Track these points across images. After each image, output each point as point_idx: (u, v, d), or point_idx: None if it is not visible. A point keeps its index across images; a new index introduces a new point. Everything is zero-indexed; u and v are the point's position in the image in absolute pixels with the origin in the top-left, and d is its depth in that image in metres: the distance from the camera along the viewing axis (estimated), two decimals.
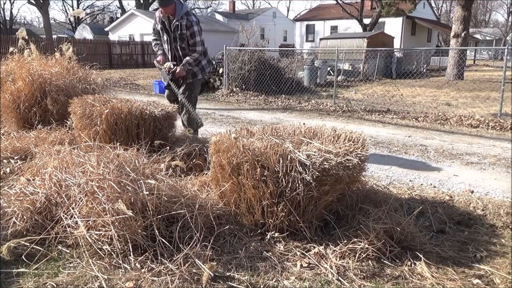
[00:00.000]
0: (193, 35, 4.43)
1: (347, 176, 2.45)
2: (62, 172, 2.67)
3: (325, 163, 2.38)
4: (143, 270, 2.17)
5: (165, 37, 4.57)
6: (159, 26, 4.58)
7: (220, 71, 11.56)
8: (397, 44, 28.28)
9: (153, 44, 4.76)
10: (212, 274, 2.12)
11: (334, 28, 34.69)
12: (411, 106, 9.08)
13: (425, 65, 20.72)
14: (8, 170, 3.51)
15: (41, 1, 30.80)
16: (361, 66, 16.94)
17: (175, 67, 4.45)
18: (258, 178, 2.45)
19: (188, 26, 4.41)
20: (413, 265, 2.30)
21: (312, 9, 42.36)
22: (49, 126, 4.65)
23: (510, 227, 2.87)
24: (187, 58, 4.48)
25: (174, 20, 4.42)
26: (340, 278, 2.18)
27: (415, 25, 32.25)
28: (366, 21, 26.15)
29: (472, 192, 3.69)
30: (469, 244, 2.61)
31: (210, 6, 46.86)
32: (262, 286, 2.11)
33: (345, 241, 2.43)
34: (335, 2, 29.07)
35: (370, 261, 2.33)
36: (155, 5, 39.97)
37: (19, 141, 4.26)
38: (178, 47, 4.55)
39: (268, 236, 2.55)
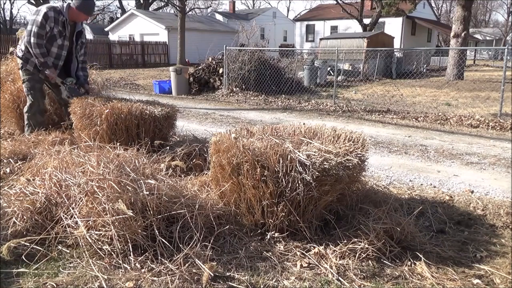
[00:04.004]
0: (85, 45, 4.53)
1: (347, 176, 2.45)
2: (62, 172, 2.67)
3: (325, 163, 2.38)
4: (143, 270, 2.17)
5: (59, 41, 4.23)
6: (56, 30, 4.16)
7: (220, 71, 11.56)
8: (397, 44, 28.27)
9: (41, 51, 4.11)
10: (212, 274, 2.12)
11: (334, 28, 34.69)
12: (411, 106, 9.08)
13: (425, 65, 20.71)
14: (8, 170, 3.51)
15: (41, 1, 30.79)
16: (361, 66, 16.93)
17: (87, 86, 4.51)
18: (258, 178, 2.45)
19: (84, 35, 4.51)
20: (413, 265, 2.30)
21: (312, 9, 42.37)
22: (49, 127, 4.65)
23: (510, 227, 2.87)
24: (86, 73, 4.58)
25: (80, 27, 4.37)
26: (340, 278, 2.18)
27: (415, 25, 32.25)
28: (366, 21, 26.13)
29: (472, 192, 3.69)
30: (469, 244, 2.61)
31: (210, 6, 46.84)
32: (262, 286, 2.10)
33: (345, 241, 2.43)
34: (335, 2, 29.06)
35: (370, 261, 2.33)
36: (155, 5, 40.02)
37: (18, 141, 4.25)
38: (77, 56, 4.45)
39: (268, 236, 2.55)
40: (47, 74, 4.26)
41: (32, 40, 4.09)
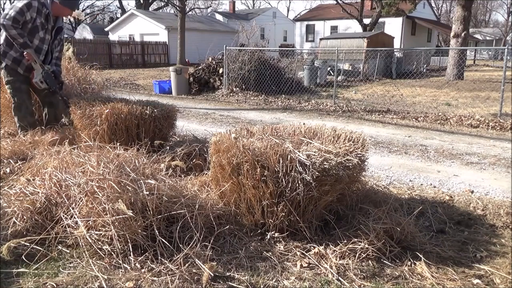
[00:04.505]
0: (62, 42, 4.49)
1: (347, 176, 2.45)
2: (62, 172, 2.67)
3: (325, 163, 2.38)
4: (143, 270, 2.17)
5: (41, 34, 4.16)
6: (38, 21, 4.07)
7: (220, 71, 11.56)
8: (397, 44, 28.27)
9: (17, 31, 3.92)
10: (212, 274, 2.12)
11: (334, 28, 34.69)
12: (411, 106, 9.08)
13: (425, 65, 20.71)
14: (8, 170, 3.51)
15: None
16: (361, 66, 16.93)
17: (61, 79, 4.50)
18: (258, 178, 2.45)
19: (64, 32, 4.46)
20: (413, 265, 2.30)
21: (312, 9, 42.38)
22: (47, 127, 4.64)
23: (510, 227, 2.87)
24: (60, 68, 4.55)
25: (60, 23, 4.35)
26: (340, 278, 2.18)
27: (415, 25, 32.25)
28: (366, 21, 26.13)
29: (472, 192, 3.69)
30: (469, 244, 2.61)
31: (210, 6, 46.84)
32: (262, 286, 2.10)
33: (345, 241, 2.43)
34: (335, 2, 29.06)
35: (370, 261, 2.33)
36: (155, 5, 40.02)
37: (18, 141, 4.25)
38: (52, 49, 4.37)
39: (268, 236, 2.55)
40: (25, 54, 4.04)
41: (6, 22, 3.89)
